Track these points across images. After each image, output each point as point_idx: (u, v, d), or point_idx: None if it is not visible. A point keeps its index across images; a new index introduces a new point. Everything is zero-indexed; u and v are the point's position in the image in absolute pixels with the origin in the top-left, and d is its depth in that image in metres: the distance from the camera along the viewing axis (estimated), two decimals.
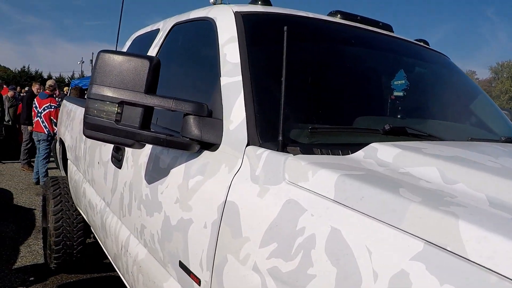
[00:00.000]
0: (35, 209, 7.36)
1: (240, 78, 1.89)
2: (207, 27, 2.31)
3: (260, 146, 1.67)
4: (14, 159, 11.84)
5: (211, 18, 2.30)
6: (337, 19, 2.65)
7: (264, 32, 2.22)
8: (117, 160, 2.70)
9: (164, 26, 3.01)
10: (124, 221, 2.54)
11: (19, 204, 7.67)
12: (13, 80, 41.33)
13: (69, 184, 4.64)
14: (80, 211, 4.27)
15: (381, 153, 1.52)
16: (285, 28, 1.73)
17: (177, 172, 1.96)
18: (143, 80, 1.76)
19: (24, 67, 53.60)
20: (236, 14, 2.19)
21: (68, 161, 4.73)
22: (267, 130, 1.73)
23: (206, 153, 1.87)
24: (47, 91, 9.58)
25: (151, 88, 1.78)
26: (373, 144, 1.58)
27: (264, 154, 1.59)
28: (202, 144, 1.85)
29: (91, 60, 53.53)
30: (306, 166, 1.43)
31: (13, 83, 29.27)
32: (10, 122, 12.37)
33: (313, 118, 1.96)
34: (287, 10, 2.43)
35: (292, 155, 1.54)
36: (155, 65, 1.78)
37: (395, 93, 2.59)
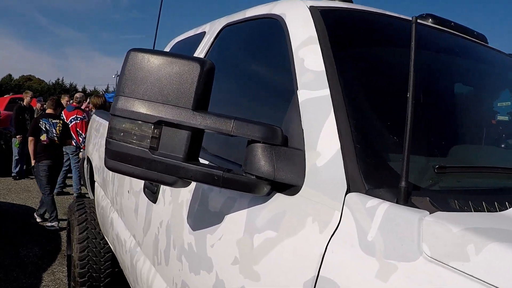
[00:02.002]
0: (61, 231, 6.93)
1: (327, 91, 1.35)
2: (272, 26, 1.79)
3: (367, 193, 1.12)
4: None
5: (277, 15, 1.78)
6: (429, 23, 2.10)
7: (351, 33, 1.70)
8: (151, 192, 2.19)
9: (212, 29, 2.51)
10: (159, 270, 2.01)
11: (44, 224, 7.24)
12: (47, 92, 41.83)
13: (96, 209, 4.16)
14: (108, 241, 3.77)
15: None
16: (413, 26, 1.17)
17: (236, 221, 1.42)
18: (191, 91, 1.25)
19: (58, 79, 54.46)
20: (312, 9, 1.66)
21: (95, 183, 4.25)
22: (377, 170, 1.19)
23: (279, 197, 1.33)
24: (74, 103, 9.39)
25: (201, 103, 1.27)
26: None
27: (380, 208, 1.04)
28: (274, 184, 1.31)
29: None
30: (461, 235, 0.88)
31: (48, 95, 29.43)
32: None
33: (432, 151, 1.40)
34: (371, 8, 1.90)
35: (427, 212, 0.98)
36: (208, 71, 1.27)
37: (499, 117, 2.11)
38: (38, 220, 7.34)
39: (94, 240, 4.24)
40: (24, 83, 49.26)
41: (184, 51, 2.99)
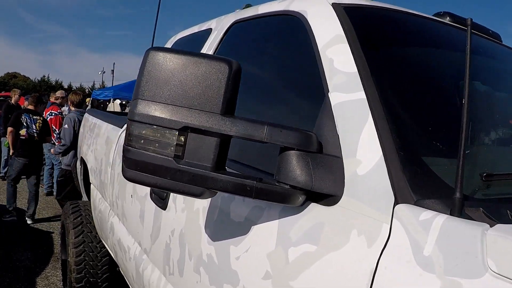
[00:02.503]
0: (53, 233, 6.78)
1: (362, 94, 1.26)
2: (291, 24, 1.70)
3: (416, 204, 1.04)
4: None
5: (296, 12, 1.68)
6: (446, 21, 2.02)
7: (380, 31, 1.62)
8: (160, 198, 2.08)
9: (219, 25, 2.41)
10: (172, 281, 1.91)
11: (36, 226, 7.09)
12: (33, 89, 41.23)
13: (93, 213, 4.04)
14: (106, 246, 3.66)
15: None
16: (469, 21, 1.09)
17: (265, 232, 1.33)
18: (219, 94, 1.16)
19: (44, 76, 53.71)
20: (336, 6, 1.56)
21: (91, 185, 4.13)
22: (424, 178, 1.10)
23: (315, 208, 1.24)
24: (51, 99, 9.42)
25: (230, 107, 1.18)
26: None
27: (436, 221, 0.95)
28: (309, 194, 1.22)
29: (112, 70, 53.62)
30: None
31: (33, 93, 29.02)
32: None
33: (475, 157, 1.32)
34: (392, 6, 1.82)
35: (488, 225, 0.90)
36: (236, 72, 1.18)
37: None
38: (29, 222, 7.18)
39: (90, 244, 4.11)
40: (9, 81, 48.60)
41: (188, 48, 2.88)
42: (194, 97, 1.16)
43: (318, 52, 1.47)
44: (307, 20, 1.60)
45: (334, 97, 1.32)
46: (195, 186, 1.17)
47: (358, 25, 1.49)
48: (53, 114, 8.78)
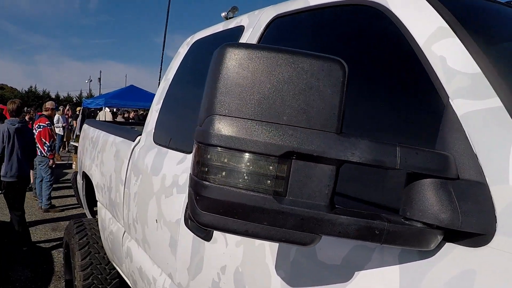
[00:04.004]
0: (53, 249, 6.42)
1: (497, 101, 0.96)
2: (366, 17, 1.41)
3: None
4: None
5: (372, 2, 1.38)
6: None
7: (487, 22, 1.34)
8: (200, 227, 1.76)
9: (253, 22, 2.09)
10: None
11: (34, 243, 6.70)
12: (21, 101, 40.51)
13: (101, 233, 3.70)
14: (119, 271, 3.32)
15: None
16: None
17: (380, 282, 1.01)
18: (333, 106, 0.86)
19: (31, 87, 52.85)
20: None
21: (98, 203, 3.79)
22: None
23: (455, 250, 0.93)
24: (42, 111, 9.12)
25: (342, 122, 0.87)
26: None
27: None
28: (446, 233, 0.92)
29: (99, 79, 53.01)
30: None
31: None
32: None
33: None
34: None
35: None
36: (347, 75, 0.87)
37: None
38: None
39: (99, 266, 3.79)
40: None
41: (210, 51, 2.56)
42: (296, 110, 0.85)
43: (419, 48, 1.16)
44: (390, 11, 1.30)
45: (459, 105, 1.01)
46: (303, 232, 0.86)
47: (461, 15, 1.20)
48: (42, 127, 8.49)
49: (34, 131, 8.47)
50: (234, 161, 0.86)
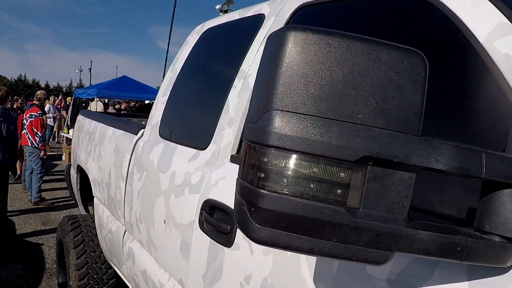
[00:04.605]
0: (43, 244, 6.22)
1: None
2: (413, 7, 1.27)
3: None
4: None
5: None
6: None
7: None
8: (219, 231, 1.60)
9: (275, 11, 1.91)
10: None
11: (23, 237, 6.49)
12: (10, 89, 40.05)
13: (98, 231, 3.52)
14: (118, 271, 3.15)
15: None
16: None
17: None
18: (415, 105, 0.72)
19: (21, 76, 52.27)
20: None
21: (95, 199, 3.61)
22: None
23: None
24: (33, 101, 8.83)
25: (421, 123, 0.72)
26: None
27: None
28: None
29: (90, 69, 52.53)
30: None
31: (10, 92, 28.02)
32: None
33: None
34: None
35: None
36: (426, 69, 0.74)
37: None
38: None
39: (94, 265, 3.62)
40: None
41: (224, 41, 2.39)
42: (373, 108, 0.70)
43: (480, 44, 1.02)
44: (441, 2, 1.16)
45: None
46: (378, 250, 0.72)
47: None
48: (34, 117, 8.26)
49: (24, 121, 8.27)
50: (298, 166, 0.71)
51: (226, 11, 2.72)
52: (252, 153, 0.74)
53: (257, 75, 0.79)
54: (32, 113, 8.30)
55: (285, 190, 0.72)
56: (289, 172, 0.72)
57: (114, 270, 3.46)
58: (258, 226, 0.73)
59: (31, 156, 8.38)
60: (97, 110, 14.59)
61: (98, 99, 17.18)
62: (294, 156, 0.71)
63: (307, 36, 0.72)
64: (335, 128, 0.70)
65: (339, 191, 0.71)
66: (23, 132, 8.34)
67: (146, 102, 20.93)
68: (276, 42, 0.74)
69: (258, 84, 0.77)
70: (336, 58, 0.71)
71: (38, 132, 8.18)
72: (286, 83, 0.71)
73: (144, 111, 17.55)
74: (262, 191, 0.72)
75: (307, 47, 0.71)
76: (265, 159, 0.72)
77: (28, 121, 8.20)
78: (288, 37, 0.72)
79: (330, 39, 0.72)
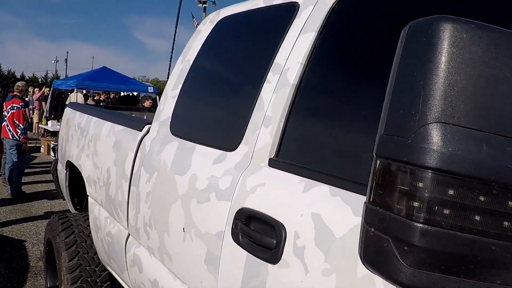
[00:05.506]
0: (26, 241, 5.94)
1: None
2: None
3: None
4: None
5: None
6: None
7: None
8: (261, 245, 1.42)
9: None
10: None
11: (5, 234, 6.19)
12: None
13: (93, 232, 3.30)
14: (118, 278, 2.94)
15: None
16: None
17: None
18: None
19: None
20: None
21: (90, 199, 3.38)
22: None
23: None
24: (14, 92, 8.48)
25: None
26: None
27: None
28: None
29: (66, 59, 51.57)
30: None
31: None
32: None
33: None
34: None
35: None
36: None
37: None
38: None
39: (88, 268, 3.40)
40: None
41: (242, 31, 2.19)
42: None
43: None
44: None
45: None
46: None
47: None
48: (16, 108, 7.98)
49: (5, 112, 7.97)
50: (465, 194, 0.54)
51: (205, 2, 2.52)
52: (402, 176, 0.56)
53: (396, 76, 0.61)
54: (14, 105, 8.02)
55: (449, 224, 0.55)
56: (453, 201, 0.54)
57: (109, 273, 3.26)
58: (411, 269, 0.56)
59: (12, 149, 8.08)
60: (77, 102, 14.20)
61: (77, 90, 16.72)
62: (461, 182, 0.54)
63: (468, 32, 0.55)
64: (510, 149, 0.53)
65: (506, 223, 0.55)
66: (3, 124, 8.05)
67: (122, 94, 20.67)
68: (426, 37, 0.56)
69: (402, 88, 0.59)
70: (509, 62, 0.55)
71: (20, 125, 7.93)
72: (448, 90, 0.54)
73: (123, 103, 17.17)
74: (419, 225, 0.54)
75: (467, 46, 0.54)
76: (423, 184, 0.54)
77: (10, 112, 7.93)
78: (443, 31, 0.55)
79: (497, 37, 0.55)
